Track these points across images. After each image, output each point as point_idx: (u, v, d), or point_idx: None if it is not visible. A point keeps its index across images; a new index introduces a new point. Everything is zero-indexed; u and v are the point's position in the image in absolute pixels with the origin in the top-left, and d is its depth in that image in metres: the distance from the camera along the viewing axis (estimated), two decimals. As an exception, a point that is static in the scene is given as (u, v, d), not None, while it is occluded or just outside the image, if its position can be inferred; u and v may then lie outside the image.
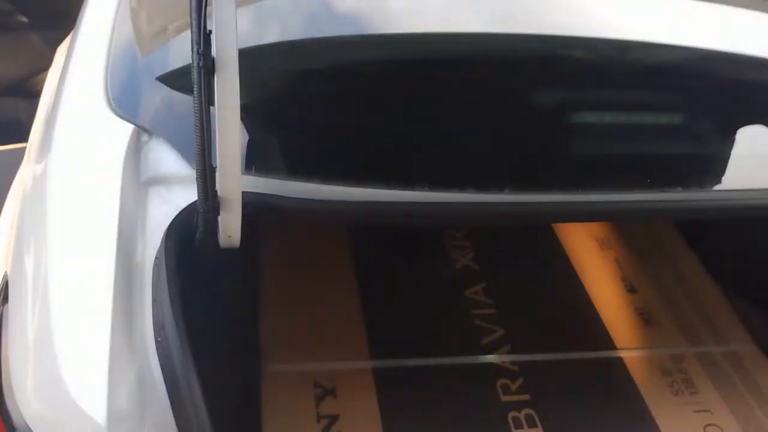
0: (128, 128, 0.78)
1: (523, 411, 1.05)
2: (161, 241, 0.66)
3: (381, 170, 0.77)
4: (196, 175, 0.61)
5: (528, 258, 1.35)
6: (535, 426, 1.03)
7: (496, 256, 1.34)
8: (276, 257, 1.22)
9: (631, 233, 1.47)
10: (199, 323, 0.77)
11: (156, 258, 0.65)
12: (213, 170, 0.61)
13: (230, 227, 0.65)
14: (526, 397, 1.07)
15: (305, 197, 0.72)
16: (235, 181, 0.62)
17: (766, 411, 1.13)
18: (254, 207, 0.69)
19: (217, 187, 0.62)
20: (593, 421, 1.05)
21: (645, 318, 1.27)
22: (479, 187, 0.76)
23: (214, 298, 0.88)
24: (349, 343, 1.10)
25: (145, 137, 0.78)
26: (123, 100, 0.80)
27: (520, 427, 1.02)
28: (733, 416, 1.11)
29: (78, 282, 0.65)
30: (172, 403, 0.58)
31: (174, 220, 0.68)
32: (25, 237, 0.73)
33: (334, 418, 0.98)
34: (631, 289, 1.33)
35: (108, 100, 0.80)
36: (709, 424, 1.09)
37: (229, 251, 0.67)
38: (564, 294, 1.29)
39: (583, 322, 1.23)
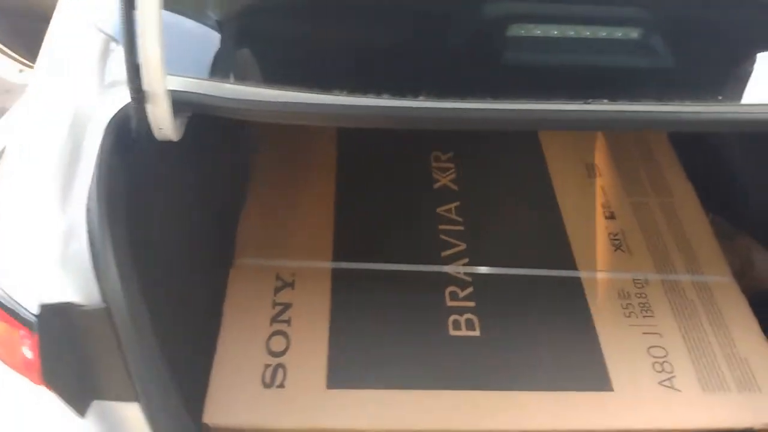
0: (101, 37, 0.90)
1: (464, 315, 1.12)
2: (104, 129, 0.78)
3: (297, 74, 0.84)
4: (126, 72, 0.72)
5: (510, 181, 1.39)
6: (473, 330, 1.11)
7: (478, 178, 1.38)
8: (266, 162, 1.35)
9: (626, 162, 1.45)
10: (151, 210, 0.90)
11: (100, 143, 0.78)
12: (137, 67, 0.72)
13: (160, 120, 0.76)
14: (471, 304, 1.14)
15: (229, 97, 0.81)
16: (158, 78, 0.72)
17: (722, 341, 1.13)
18: (185, 104, 0.79)
19: (143, 82, 0.73)
20: (532, 332, 1.11)
21: (617, 244, 1.28)
22: (393, 93, 0.82)
23: (173, 190, 1.01)
24: (316, 244, 1.20)
25: (113, 45, 0.90)
26: (100, 14, 0.92)
27: (458, 329, 1.10)
28: (684, 342, 1.13)
29: (35, 151, 0.79)
30: (92, 257, 0.72)
31: (120, 111, 0.80)
32: (11, 114, 0.88)
33: (287, 306, 1.11)
34: (610, 216, 1.34)
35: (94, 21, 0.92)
36: (653, 346, 1.11)
37: (176, 146, 0.79)
38: (536, 216, 1.32)
39: (548, 243, 1.26)
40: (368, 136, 1.40)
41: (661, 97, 0.81)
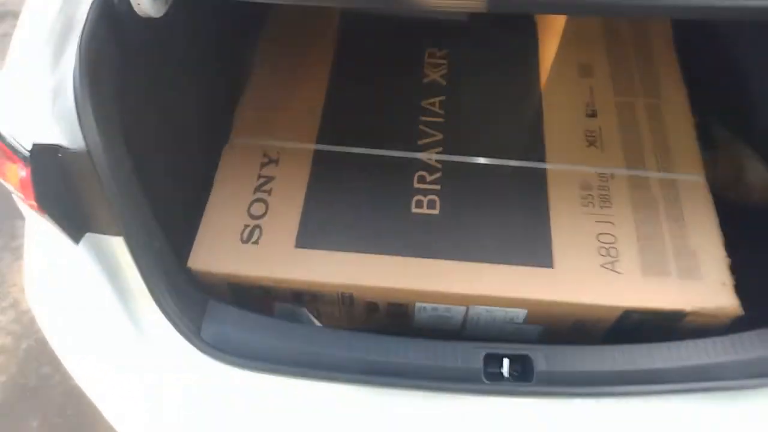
0: None
1: (428, 196, 1.23)
2: (89, 3, 0.92)
3: None
4: None
5: (499, 79, 1.43)
6: (433, 209, 1.21)
7: (468, 75, 1.44)
8: (269, 51, 1.47)
9: (622, 64, 1.46)
10: (142, 80, 1.04)
11: (87, 13, 0.91)
12: None
13: None
14: (437, 187, 1.25)
15: None
16: None
17: (675, 233, 1.18)
18: None
19: None
20: (489, 213, 1.21)
21: (591, 140, 1.33)
22: None
23: (167, 67, 1.15)
24: (303, 127, 1.33)
25: None
26: None
27: (420, 207, 1.22)
28: (635, 231, 1.19)
29: (37, 19, 0.94)
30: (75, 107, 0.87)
31: None
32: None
33: (270, 179, 1.25)
34: (591, 114, 1.37)
35: None
36: (603, 233, 1.19)
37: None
38: (517, 111, 1.37)
39: (522, 137, 1.33)
40: (368, 32, 1.49)
41: None
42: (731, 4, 0.84)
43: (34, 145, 0.87)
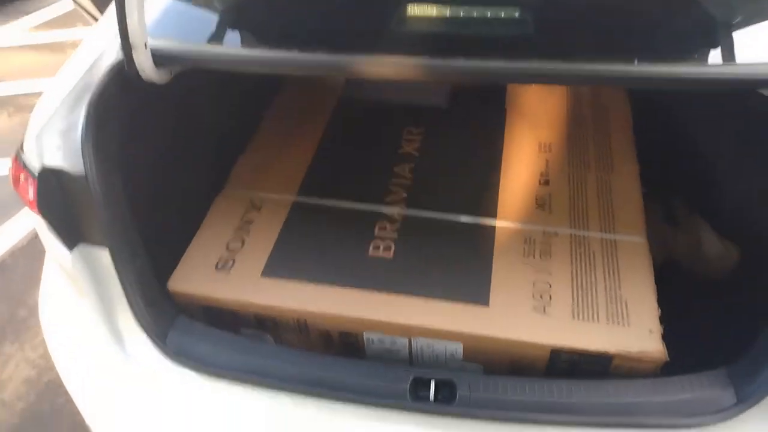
0: None
1: (385, 242, 1.39)
2: (107, 68, 1.19)
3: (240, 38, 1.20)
4: (118, 29, 1.12)
5: (465, 153, 1.62)
6: (388, 252, 1.36)
7: (439, 148, 1.64)
8: (271, 119, 1.73)
9: (579, 141, 1.63)
10: (147, 136, 1.29)
11: (101, 76, 1.18)
12: (126, 26, 1.11)
13: (143, 64, 1.15)
14: (394, 236, 1.40)
15: (192, 50, 1.18)
16: (139, 33, 1.11)
17: (609, 284, 1.28)
18: (164, 57, 1.17)
19: (130, 37, 1.12)
20: (436, 258, 1.34)
21: (541, 204, 1.47)
22: (304, 48, 1.13)
23: (171, 128, 1.41)
24: (288, 182, 1.54)
25: None
26: None
27: (377, 250, 1.37)
28: (570, 281, 1.28)
29: (68, 75, 1.21)
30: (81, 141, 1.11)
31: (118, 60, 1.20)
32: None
33: (250, 222, 1.45)
34: (544, 182, 1.52)
35: None
36: (539, 281, 1.29)
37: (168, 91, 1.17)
38: (478, 178, 1.54)
39: (479, 197, 1.48)
40: (359, 111, 1.74)
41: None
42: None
43: (43, 166, 1.11)
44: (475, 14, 1.19)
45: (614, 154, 1.59)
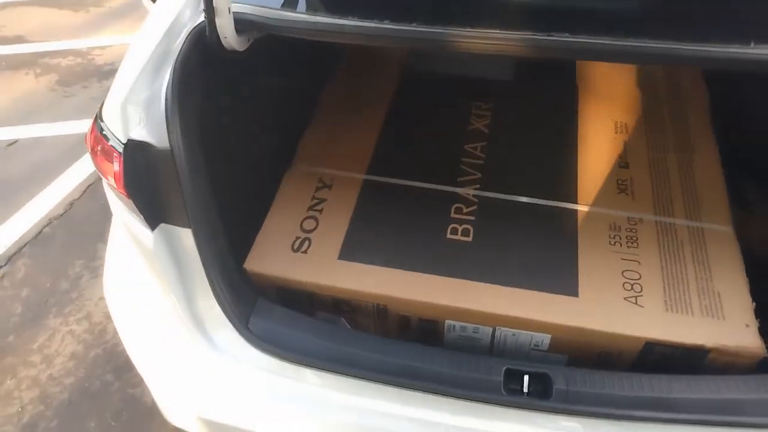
0: None
1: (462, 225, 1.34)
2: (187, 33, 1.11)
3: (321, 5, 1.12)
4: None
5: (538, 131, 1.56)
6: (467, 236, 1.32)
7: (510, 126, 1.58)
8: (334, 92, 1.67)
9: (656, 122, 1.56)
10: (221, 102, 1.23)
11: (182, 43, 1.11)
12: None
13: (225, 30, 1.08)
14: (471, 218, 1.35)
15: (273, 17, 1.10)
16: None
17: (699, 275, 1.23)
18: (244, 22, 1.10)
19: (214, 1, 1.05)
20: (520, 245, 1.29)
21: (623, 188, 1.42)
22: (396, 19, 1.05)
23: (246, 95, 1.34)
24: (356, 159, 1.48)
25: None
26: None
27: (455, 234, 1.32)
28: (660, 271, 1.24)
29: (145, 45, 1.13)
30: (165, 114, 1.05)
31: (200, 23, 1.12)
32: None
33: (322, 200, 1.40)
34: (623, 165, 1.47)
35: None
36: (629, 270, 1.25)
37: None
38: (554, 159, 1.48)
39: (557, 180, 1.43)
40: (424, 85, 1.66)
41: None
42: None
43: (129, 140, 1.05)
44: None
45: (693, 136, 1.53)
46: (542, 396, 1.05)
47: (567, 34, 1.00)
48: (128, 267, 1.28)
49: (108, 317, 2.11)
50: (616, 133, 1.55)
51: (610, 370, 1.08)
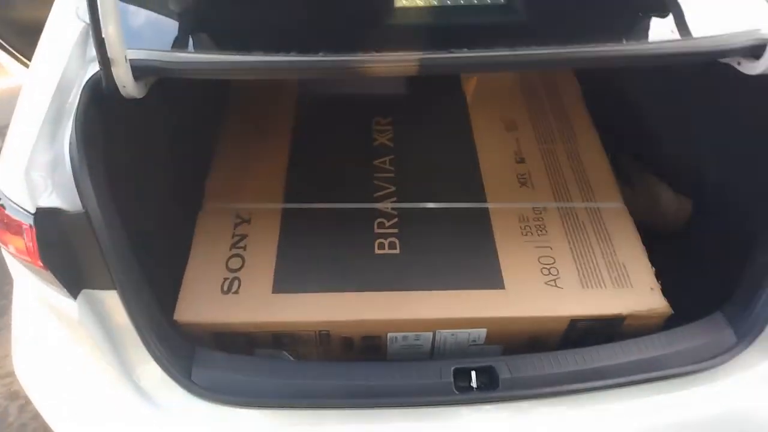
0: (82, 24, 1.18)
1: (388, 239, 1.38)
2: (82, 87, 1.05)
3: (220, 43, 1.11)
4: (93, 44, 0.99)
5: (437, 138, 1.64)
6: (394, 249, 1.36)
7: (411, 137, 1.64)
8: (233, 124, 1.65)
9: (540, 117, 1.70)
10: (126, 151, 1.17)
11: (79, 97, 1.05)
12: (102, 40, 0.99)
13: (122, 79, 1.03)
14: (395, 231, 1.40)
15: (171, 61, 1.07)
16: (117, 47, 0.99)
17: (604, 251, 1.36)
18: (142, 69, 1.06)
19: (108, 51, 1.00)
20: (443, 249, 1.36)
21: (523, 181, 1.53)
22: (301, 51, 1.07)
23: (148, 140, 1.28)
24: (270, 189, 1.47)
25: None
26: (80, 5, 1.20)
27: (383, 248, 1.36)
28: (570, 252, 1.36)
29: (34, 106, 1.06)
30: (73, 175, 0.98)
31: (94, 74, 1.07)
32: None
33: (244, 236, 1.37)
34: (520, 161, 1.58)
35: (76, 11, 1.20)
36: (544, 256, 1.35)
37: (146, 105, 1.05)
38: (457, 164, 1.56)
39: (464, 183, 1.51)
40: (322, 105, 1.68)
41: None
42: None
43: (38, 209, 0.97)
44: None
45: (574, 125, 1.68)
46: (490, 387, 1.11)
47: (466, 50, 1.07)
48: (43, 340, 1.17)
49: (8, 398, 1.93)
50: (508, 131, 1.67)
51: (542, 352, 1.16)
